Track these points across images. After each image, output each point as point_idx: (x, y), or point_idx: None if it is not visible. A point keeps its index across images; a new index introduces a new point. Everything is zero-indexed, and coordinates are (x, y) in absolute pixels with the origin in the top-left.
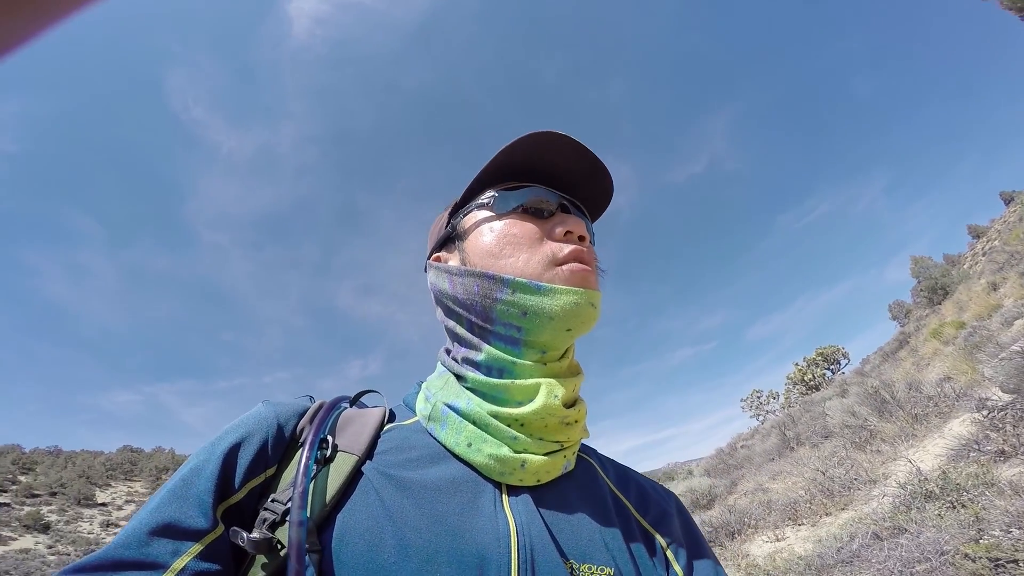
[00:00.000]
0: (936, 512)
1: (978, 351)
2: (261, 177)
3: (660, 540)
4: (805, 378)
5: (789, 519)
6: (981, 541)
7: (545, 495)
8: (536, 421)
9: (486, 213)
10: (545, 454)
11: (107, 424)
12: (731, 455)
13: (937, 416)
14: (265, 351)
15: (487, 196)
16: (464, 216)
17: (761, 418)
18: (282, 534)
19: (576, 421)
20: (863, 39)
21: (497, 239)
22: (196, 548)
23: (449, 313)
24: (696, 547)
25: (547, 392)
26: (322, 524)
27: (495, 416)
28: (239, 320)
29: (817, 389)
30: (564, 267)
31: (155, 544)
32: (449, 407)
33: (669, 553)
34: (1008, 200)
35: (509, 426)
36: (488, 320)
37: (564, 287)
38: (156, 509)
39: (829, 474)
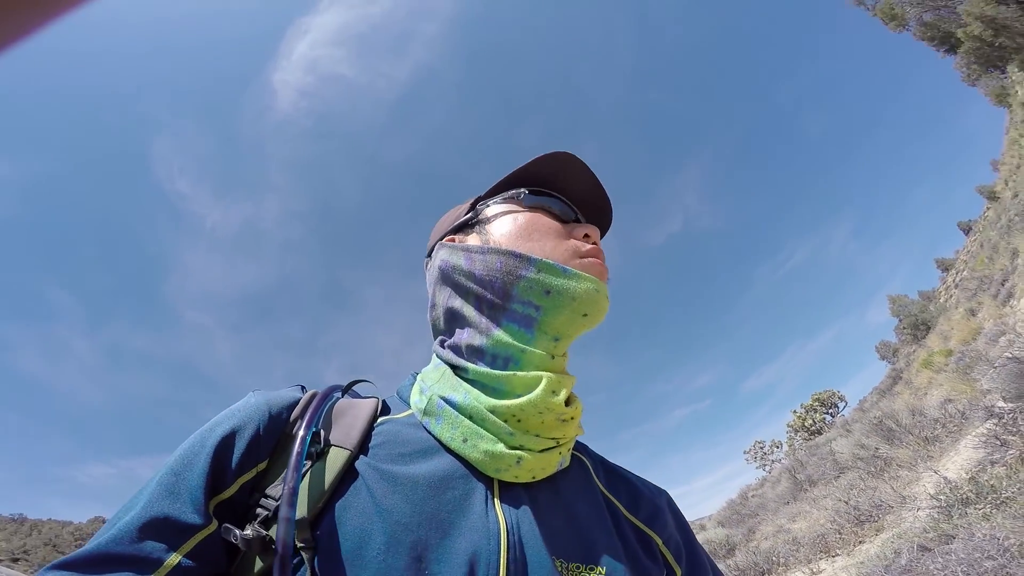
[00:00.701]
0: (981, 514)
1: (971, 370)
2: (245, 253)
3: (655, 538)
4: (805, 424)
5: (821, 552)
6: None
7: (538, 493)
8: (533, 417)
9: (513, 205)
10: (541, 451)
11: (80, 495)
12: (743, 504)
13: (948, 436)
14: None
15: (515, 192)
16: (489, 205)
17: (767, 467)
18: (274, 530)
19: (572, 418)
20: (807, 77)
21: (526, 224)
22: (189, 544)
23: (458, 291)
24: (691, 544)
25: (547, 386)
26: (314, 520)
27: (492, 411)
28: (221, 399)
29: (819, 433)
30: (586, 259)
31: (148, 540)
32: (445, 401)
33: (665, 550)
34: (966, 229)
35: (506, 422)
36: (507, 297)
37: (587, 274)
38: (148, 504)
39: (852, 503)
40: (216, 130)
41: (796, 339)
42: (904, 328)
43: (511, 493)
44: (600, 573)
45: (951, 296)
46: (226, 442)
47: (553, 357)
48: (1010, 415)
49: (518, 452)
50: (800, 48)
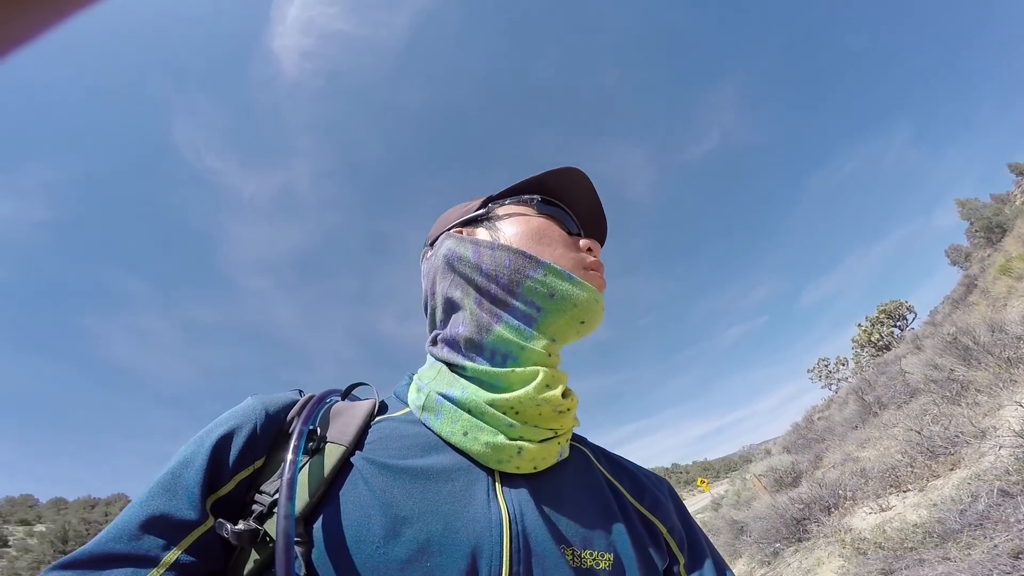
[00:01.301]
0: None
1: None
2: (287, 217)
3: (659, 525)
4: (872, 339)
5: (891, 486)
6: None
7: (540, 483)
8: (531, 408)
9: (526, 208)
10: (540, 441)
11: None
12: (809, 429)
13: None
14: (321, 383)
15: (530, 196)
16: (502, 205)
17: (834, 387)
18: (270, 525)
19: (568, 409)
20: None
21: (538, 228)
22: (187, 541)
23: (461, 282)
24: (693, 533)
25: (543, 380)
26: (310, 515)
27: (491, 404)
28: (293, 357)
29: (888, 348)
30: (590, 272)
31: (145, 537)
32: (443, 396)
33: (668, 537)
34: None
35: (505, 414)
36: (511, 294)
37: (590, 284)
38: (146, 502)
39: (926, 433)
40: (229, 104)
41: (855, 248)
42: (976, 231)
43: (513, 484)
44: (608, 560)
45: None
46: (224, 441)
47: (549, 355)
48: None
49: (519, 443)
50: None
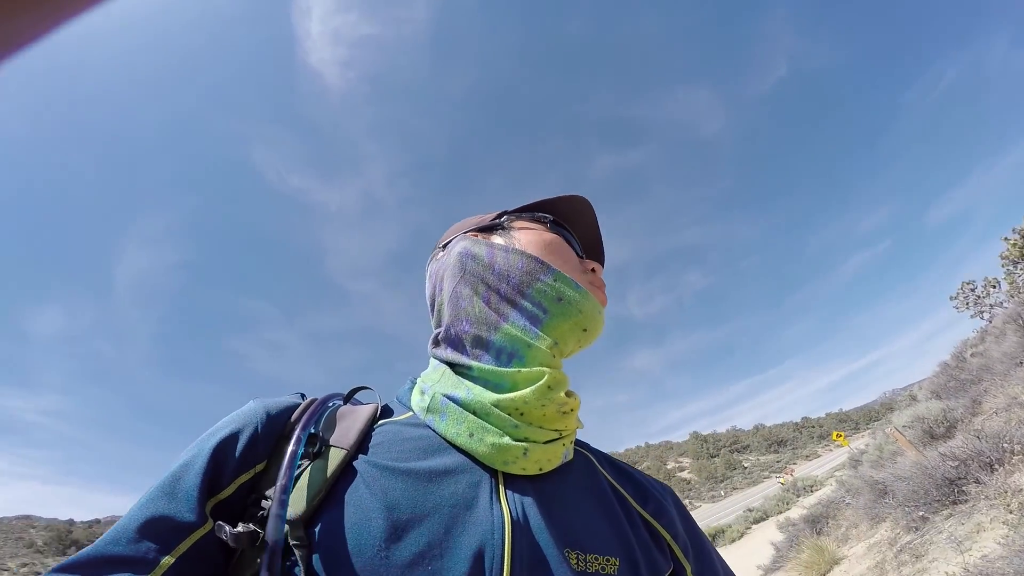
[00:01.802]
0: None
1: None
2: (374, 220)
3: (663, 531)
4: None
5: None
6: None
7: (544, 486)
8: (535, 409)
9: (539, 225)
10: (545, 442)
11: None
12: (960, 368)
13: None
14: None
15: (543, 215)
16: (517, 219)
17: (986, 315)
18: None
19: (572, 410)
20: None
21: (551, 242)
22: (185, 544)
23: (471, 279)
24: (699, 540)
25: (548, 380)
26: (311, 518)
27: (496, 405)
28: (407, 351)
29: None
30: (595, 287)
31: (144, 540)
32: (448, 398)
33: (673, 544)
34: None
35: (510, 415)
36: (520, 294)
37: (595, 297)
38: (145, 505)
39: None
40: (292, 125)
41: (981, 158)
42: None
43: (517, 486)
44: (615, 564)
45: None
46: (224, 444)
47: (554, 357)
48: None
49: (524, 444)
50: None
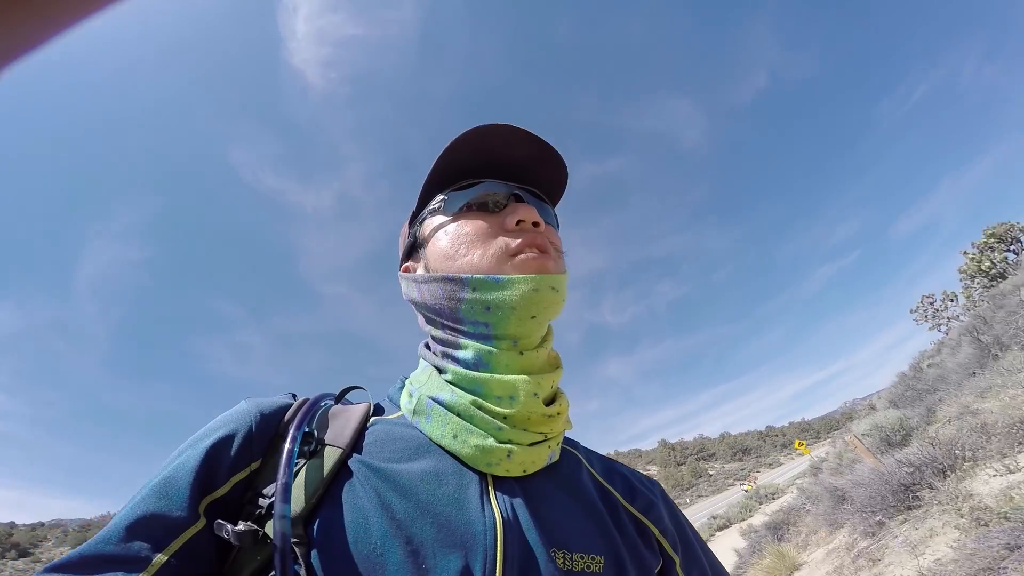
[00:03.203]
0: None
1: None
2: (350, 222)
3: (651, 527)
4: (983, 267)
5: (1019, 443)
6: None
7: (532, 486)
8: (520, 413)
9: (440, 217)
10: (529, 444)
11: None
12: (917, 378)
13: None
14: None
15: (437, 200)
16: (421, 224)
17: (943, 327)
18: (269, 527)
19: (559, 414)
20: None
21: (451, 240)
22: (178, 542)
23: (427, 320)
24: (685, 533)
25: (527, 391)
26: (308, 516)
27: (479, 407)
28: (376, 354)
29: (1003, 277)
30: (518, 257)
31: (136, 539)
32: (434, 400)
33: (661, 538)
34: None
35: (493, 417)
36: (457, 321)
37: (520, 276)
38: (137, 504)
39: None
40: (271, 124)
41: (947, 172)
42: None
43: (506, 487)
44: (599, 562)
45: None
46: (218, 443)
47: (522, 353)
48: None
49: (508, 446)
50: None
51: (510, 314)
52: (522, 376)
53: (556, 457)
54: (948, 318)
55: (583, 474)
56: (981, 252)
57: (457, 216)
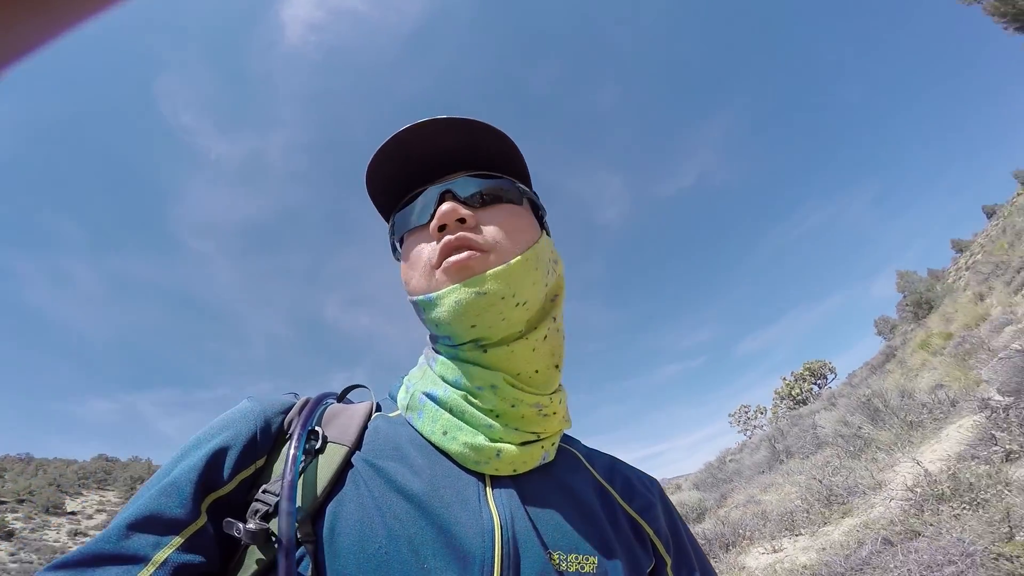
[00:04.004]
0: (952, 513)
1: (969, 358)
2: (250, 184)
3: (646, 527)
4: (792, 392)
5: (786, 529)
6: (1017, 539)
7: (528, 486)
8: (508, 411)
9: (397, 242)
10: (521, 444)
11: (81, 432)
12: (720, 469)
13: (933, 422)
14: (249, 361)
15: (390, 226)
16: (394, 251)
17: (749, 432)
18: (275, 525)
19: (554, 412)
20: (851, 45)
21: (404, 265)
22: (178, 540)
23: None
24: (678, 533)
25: (507, 382)
26: (314, 514)
27: (469, 402)
28: (224, 329)
29: (805, 403)
30: (439, 270)
31: (136, 537)
32: (427, 395)
33: (655, 539)
34: (990, 213)
35: (485, 415)
36: (432, 336)
37: (445, 289)
38: (139, 502)
39: (826, 482)
40: (221, 66)
41: (798, 304)
42: (907, 305)
43: (504, 486)
44: (593, 563)
45: (960, 278)
46: (222, 442)
47: (485, 351)
48: (1004, 410)
49: (498, 445)
50: (848, 7)
51: (449, 328)
52: (498, 372)
53: (551, 457)
54: (755, 426)
55: (580, 473)
56: (795, 381)
57: (407, 235)
